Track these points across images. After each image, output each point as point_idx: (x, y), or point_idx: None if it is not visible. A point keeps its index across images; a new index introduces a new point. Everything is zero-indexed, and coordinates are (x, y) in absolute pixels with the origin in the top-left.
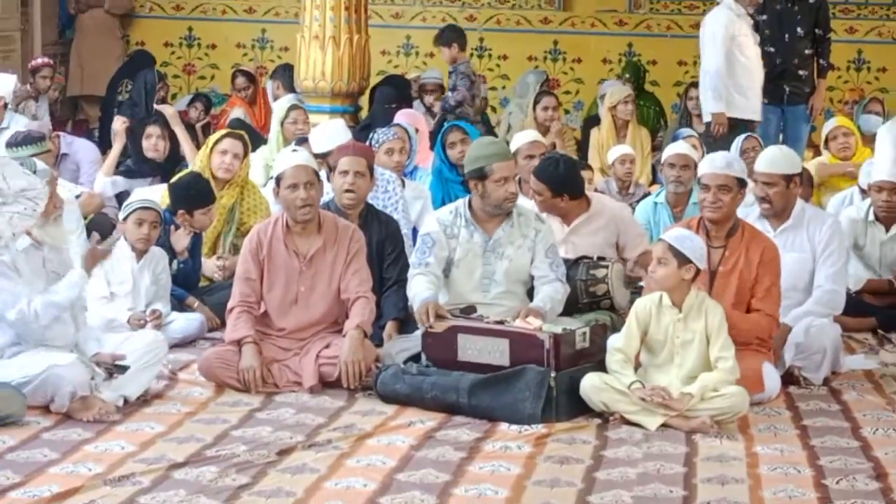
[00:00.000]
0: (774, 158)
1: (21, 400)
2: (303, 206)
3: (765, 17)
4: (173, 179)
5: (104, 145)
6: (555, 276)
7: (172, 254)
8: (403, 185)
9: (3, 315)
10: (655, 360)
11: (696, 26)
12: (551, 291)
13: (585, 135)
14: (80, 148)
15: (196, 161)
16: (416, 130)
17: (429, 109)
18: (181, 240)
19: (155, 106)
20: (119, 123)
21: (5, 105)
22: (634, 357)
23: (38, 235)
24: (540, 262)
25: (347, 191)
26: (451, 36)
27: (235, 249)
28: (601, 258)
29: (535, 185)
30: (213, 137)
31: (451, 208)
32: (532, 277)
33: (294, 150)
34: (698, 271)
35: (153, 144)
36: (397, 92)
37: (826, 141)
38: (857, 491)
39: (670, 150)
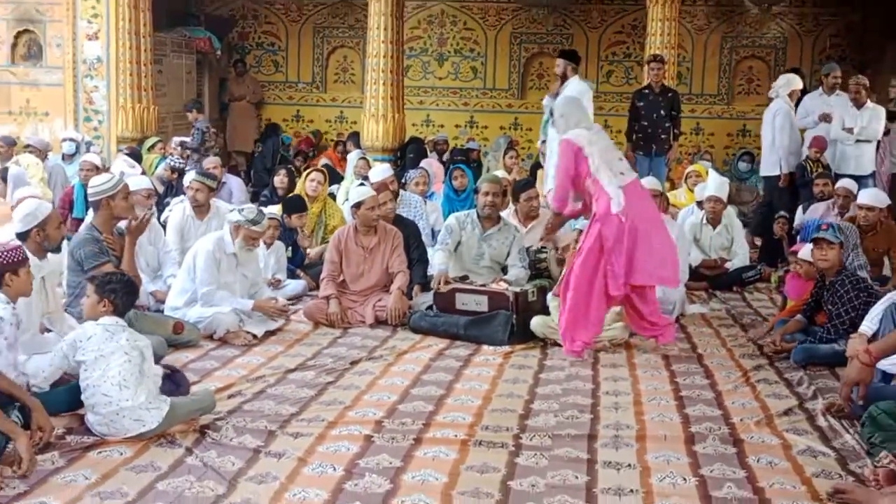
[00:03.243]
0: (653, 181)
1: (197, 332)
2: (376, 219)
3: (642, 103)
4: (285, 198)
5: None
6: (521, 265)
7: (286, 244)
8: (425, 203)
9: (198, 286)
10: None
11: (601, 108)
12: (517, 273)
13: (533, 173)
14: (233, 182)
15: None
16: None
17: (440, 156)
18: (304, 241)
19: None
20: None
21: (185, 158)
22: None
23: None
24: (513, 256)
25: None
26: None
27: (324, 239)
28: (543, 247)
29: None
30: (306, 172)
31: (467, 212)
32: (506, 261)
33: (361, 185)
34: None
35: (280, 180)
36: (418, 148)
37: (686, 177)
38: (696, 385)
39: None
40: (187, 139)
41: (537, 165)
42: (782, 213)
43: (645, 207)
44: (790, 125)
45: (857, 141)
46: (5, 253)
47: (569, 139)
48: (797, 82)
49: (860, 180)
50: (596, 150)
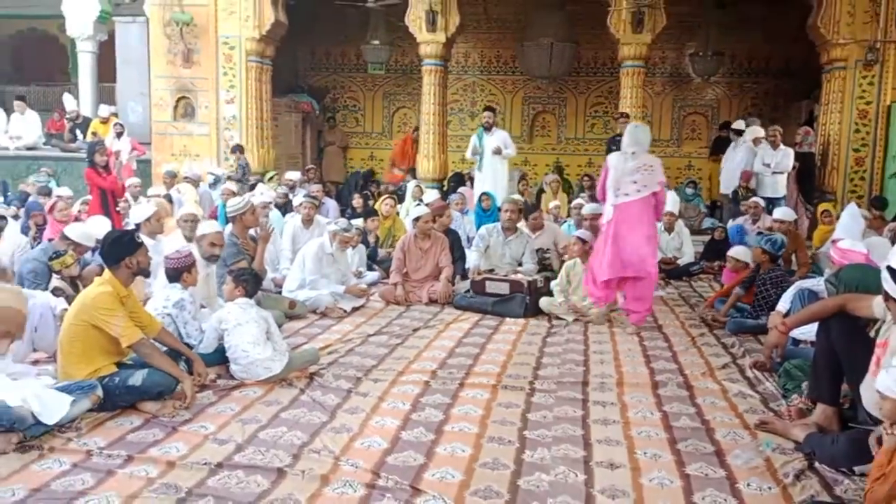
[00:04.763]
0: (597, 207)
1: (305, 308)
2: (430, 230)
3: (615, 147)
4: (362, 212)
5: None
6: (532, 262)
7: (367, 246)
8: (463, 217)
9: (306, 276)
10: (570, 286)
11: (586, 153)
12: (528, 267)
13: (538, 197)
14: (330, 203)
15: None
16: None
17: (471, 184)
18: (372, 237)
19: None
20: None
21: (293, 186)
22: (566, 286)
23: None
24: (526, 255)
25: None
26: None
27: (392, 244)
28: (547, 249)
29: (527, 216)
30: (381, 197)
31: (493, 225)
32: (521, 259)
33: (418, 205)
34: (591, 248)
35: (357, 201)
36: (458, 179)
37: None
38: (658, 346)
39: (573, 204)
40: (235, 175)
41: (541, 190)
42: (720, 224)
43: (633, 223)
44: (750, 161)
45: (774, 173)
46: (183, 258)
47: (608, 158)
48: (759, 131)
49: (776, 201)
50: (613, 173)
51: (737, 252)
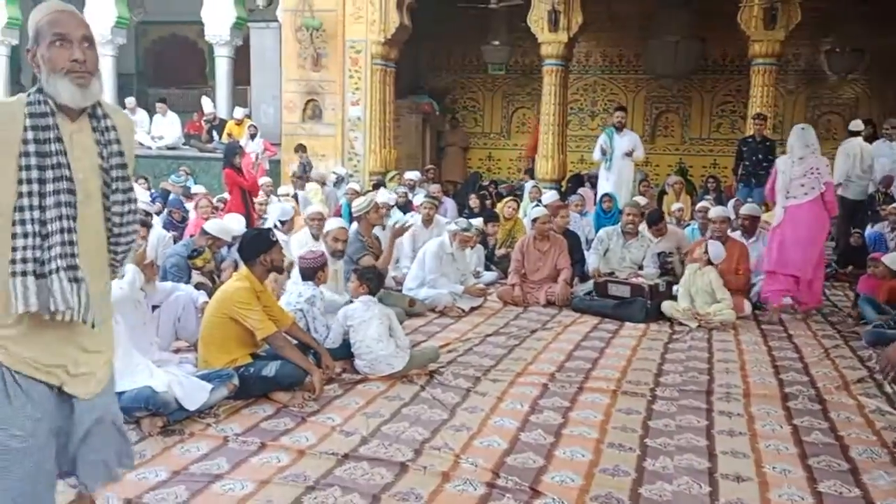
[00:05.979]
0: (752, 207)
1: (425, 306)
2: (549, 231)
3: (745, 148)
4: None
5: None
6: (653, 266)
7: (484, 245)
8: (581, 218)
9: (426, 274)
10: (693, 293)
11: (711, 153)
12: (649, 271)
13: (660, 199)
14: (448, 202)
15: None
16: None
17: (592, 185)
18: (491, 240)
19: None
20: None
21: (413, 186)
22: (687, 291)
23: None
24: (647, 259)
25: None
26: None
27: (510, 244)
28: (670, 252)
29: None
30: (504, 200)
31: (613, 227)
32: (642, 262)
33: (535, 206)
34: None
35: (473, 202)
36: (578, 180)
37: None
38: (787, 357)
39: (698, 206)
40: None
41: (662, 192)
42: (857, 229)
43: (801, 225)
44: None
45: None
46: (317, 258)
47: (777, 162)
48: None
49: None
50: (781, 177)
51: (891, 260)
